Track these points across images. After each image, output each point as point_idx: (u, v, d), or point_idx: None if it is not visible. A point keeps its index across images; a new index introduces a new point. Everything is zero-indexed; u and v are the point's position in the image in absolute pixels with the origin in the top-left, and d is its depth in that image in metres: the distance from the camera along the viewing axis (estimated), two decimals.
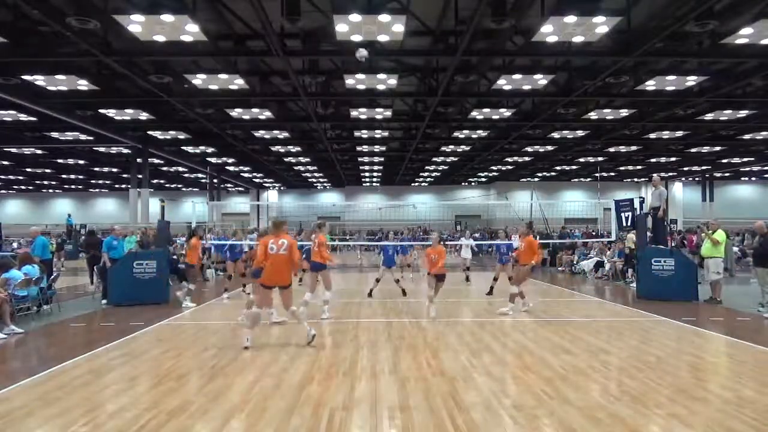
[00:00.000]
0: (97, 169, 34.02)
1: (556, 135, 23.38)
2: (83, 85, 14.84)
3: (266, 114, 18.84)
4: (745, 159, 31.24)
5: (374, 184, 45.50)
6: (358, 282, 13.12)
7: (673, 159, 31.28)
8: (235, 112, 18.73)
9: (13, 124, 20.03)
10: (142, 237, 15.78)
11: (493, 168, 36.06)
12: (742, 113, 19.15)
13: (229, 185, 41.08)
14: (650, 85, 15.34)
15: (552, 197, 40.59)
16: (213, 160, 30.72)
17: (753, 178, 42.63)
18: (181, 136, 23.33)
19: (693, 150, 27.33)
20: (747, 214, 31.22)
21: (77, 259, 24.31)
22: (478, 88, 16.63)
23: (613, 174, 39.45)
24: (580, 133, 23.15)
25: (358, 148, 27.63)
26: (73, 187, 44.77)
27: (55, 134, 22.14)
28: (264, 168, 34.25)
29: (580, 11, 10.14)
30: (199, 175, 36.50)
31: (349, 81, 14.92)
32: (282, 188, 47.63)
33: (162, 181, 41.49)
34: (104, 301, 11.09)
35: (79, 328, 8.70)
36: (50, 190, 47.06)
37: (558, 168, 36.04)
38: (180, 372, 5.86)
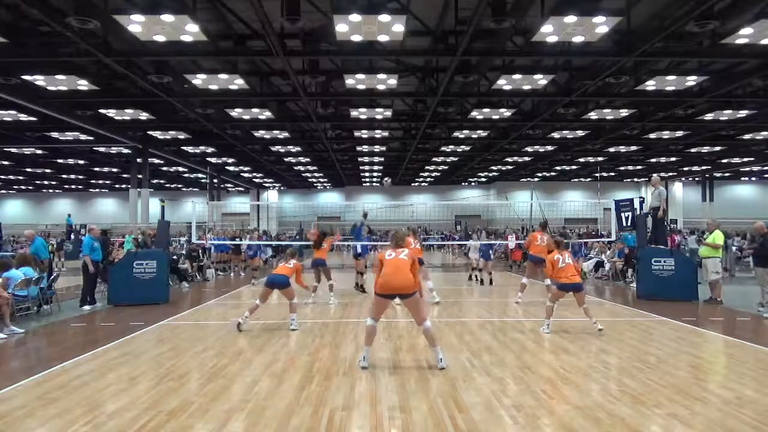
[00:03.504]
0: (97, 169, 34.03)
1: (556, 135, 23.39)
2: (83, 85, 14.84)
3: (266, 114, 18.84)
4: (745, 159, 31.24)
5: (374, 184, 45.49)
6: (355, 281, 13.11)
7: (673, 159, 31.29)
8: (235, 112, 18.73)
9: (13, 124, 20.04)
10: (144, 237, 15.78)
11: (493, 168, 36.06)
12: (742, 113, 19.15)
13: (229, 185, 41.08)
14: (650, 85, 15.35)
15: (552, 197, 40.57)
16: (213, 160, 30.72)
17: (753, 178, 42.62)
18: (181, 136, 23.33)
19: (693, 150, 27.34)
20: (747, 214, 31.23)
21: (77, 259, 24.27)
22: (478, 88, 16.64)
23: (613, 174, 39.47)
24: (580, 133, 23.15)
25: (358, 148, 27.64)
26: (73, 187, 44.76)
27: (55, 134, 22.14)
28: (264, 168, 34.25)
29: (580, 11, 10.14)
30: (199, 175, 36.49)
31: (349, 81, 14.92)
32: (282, 188, 47.62)
33: (162, 181, 41.49)
34: (87, 308, 10.46)
35: (79, 328, 8.70)
36: (50, 190, 47.05)
37: (558, 168, 36.05)
38: (180, 372, 5.86)
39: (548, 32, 10.94)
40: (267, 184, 45.45)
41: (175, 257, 15.21)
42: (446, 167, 35.14)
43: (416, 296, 5.92)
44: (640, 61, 13.59)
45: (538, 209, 26.94)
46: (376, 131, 22.73)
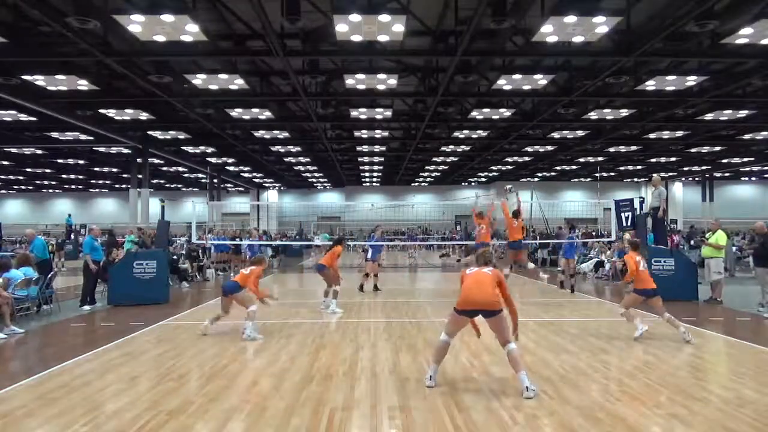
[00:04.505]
0: (97, 169, 34.04)
1: (556, 135, 23.39)
2: (83, 85, 14.84)
3: (266, 114, 18.85)
4: (745, 159, 31.24)
5: (374, 184, 45.49)
6: (357, 282, 13.13)
7: (673, 159, 31.29)
8: (235, 112, 18.73)
9: (13, 124, 20.04)
10: (142, 237, 15.80)
11: (493, 168, 36.06)
12: (742, 113, 19.17)
13: (229, 185, 41.08)
14: (650, 85, 15.35)
15: (552, 197, 40.57)
16: (213, 160, 30.73)
17: (753, 178, 42.63)
18: (181, 136, 23.34)
19: (693, 150, 27.34)
20: (747, 214, 31.24)
21: (77, 259, 24.26)
22: (478, 88, 16.64)
23: (613, 174, 39.46)
24: (580, 133, 23.16)
25: (358, 148, 27.64)
26: (73, 187, 44.78)
27: (55, 134, 22.15)
28: (264, 168, 34.26)
29: (580, 11, 10.14)
30: (199, 175, 36.50)
31: (349, 81, 14.93)
32: (282, 188, 47.62)
33: (162, 181, 41.50)
34: (86, 307, 10.48)
35: (79, 328, 8.70)
36: (50, 190, 47.07)
37: (558, 168, 36.04)
38: (180, 372, 5.86)
39: (548, 32, 10.94)
40: (267, 184, 45.46)
41: (175, 257, 15.21)
42: (446, 167, 35.15)
43: (501, 315, 5.22)
44: (640, 61, 13.59)
45: (538, 209, 26.95)
46: (376, 131, 22.74)
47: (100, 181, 42.29)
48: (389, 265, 19.64)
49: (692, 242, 19.34)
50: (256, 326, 7.70)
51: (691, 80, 15.05)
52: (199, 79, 14.79)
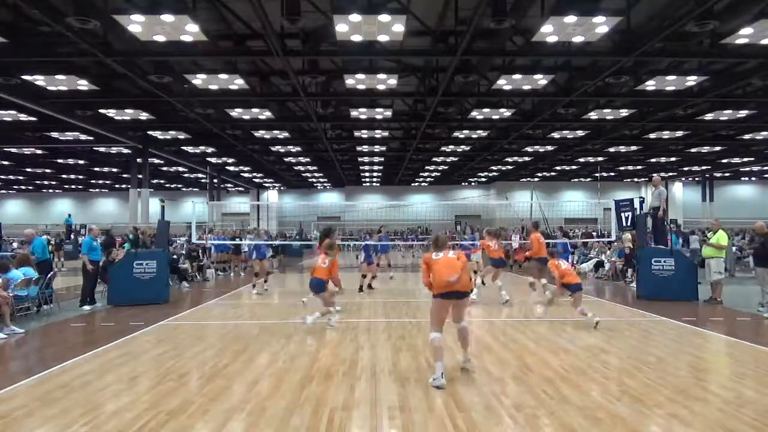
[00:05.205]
0: (97, 169, 34.04)
1: (556, 135, 23.40)
2: (83, 85, 14.85)
3: (266, 114, 18.86)
4: (745, 159, 31.25)
5: (374, 184, 45.50)
6: (357, 282, 13.13)
7: (673, 159, 31.29)
8: (235, 112, 18.74)
9: (13, 124, 20.04)
10: (138, 236, 15.77)
11: (493, 168, 36.07)
12: (742, 113, 19.17)
13: (229, 185, 41.08)
14: (650, 85, 15.35)
15: (552, 197, 40.58)
16: (213, 160, 30.73)
17: (753, 178, 42.64)
18: (181, 136, 23.35)
19: (693, 150, 27.35)
20: (747, 214, 31.25)
21: (77, 259, 24.27)
22: (478, 88, 16.63)
23: (613, 174, 39.46)
24: (580, 133, 23.16)
25: (358, 148, 27.64)
26: (73, 187, 44.79)
27: (55, 134, 22.17)
28: (264, 168, 34.26)
29: (580, 11, 10.14)
30: (199, 175, 36.50)
31: (349, 81, 14.93)
32: (282, 188, 47.63)
33: (162, 181, 41.51)
34: (86, 307, 10.47)
35: (79, 328, 8.70)
36: (50, 190, 47.08)
37: (558, 168, 36.05)
38: (180, 372, 5.86)
39: (548, 32, 10.95)
40: (267, 184, 45.47)
41: (175, 257, 15.21)
42: (446, 167, 35.16)
43: (468, 296, 5.77)
44: (640, 61, 13.59)
45: (538, 209, 26.96)
46: (376, 131, 22.74)
47: (100, 181, 42.30)
48: (387, 265, 19.61)
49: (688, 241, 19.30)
50: (332, 315, 8.36)
51: (691, 80, 15.05)
52: (199, 79, 14.79)
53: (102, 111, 18.44)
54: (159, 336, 7.91)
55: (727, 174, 39.08)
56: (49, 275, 10.19)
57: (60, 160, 30.34)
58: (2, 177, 38.07)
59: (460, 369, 5.79)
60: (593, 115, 19.18)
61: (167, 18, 10.10)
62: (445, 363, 5.41)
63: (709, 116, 19.21)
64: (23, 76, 14.01)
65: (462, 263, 5.56)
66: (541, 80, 14.95)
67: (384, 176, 40.70)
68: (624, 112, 19.14)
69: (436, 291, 5.50)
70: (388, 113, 19.03)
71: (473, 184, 46.04)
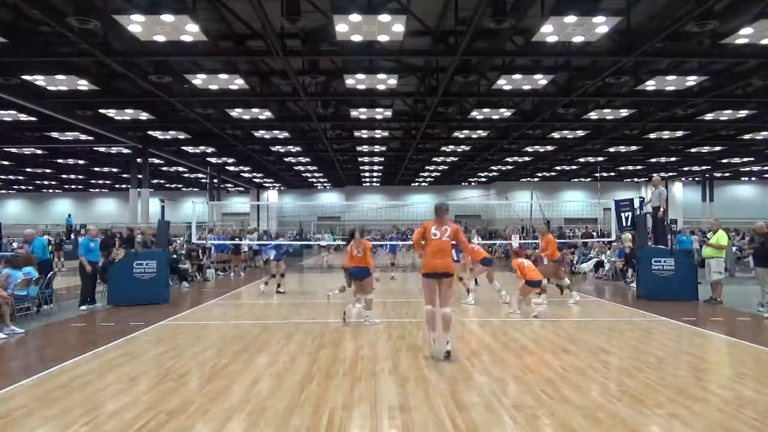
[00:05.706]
0: (97, 169, 34.03)
1: (556, 135, 23.38)
2: (83, 85, 14.84)
3: (266, 114, 18.85)
4: (745, 159, 31.24)
5: (374, 184, 45.50)
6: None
7: (673, 159, 31.28)
8: (235, 112, 18.73)
9: (13, 124, 20.03)
10: (142, 236, 15.75)
11: (493, 168, 36.07)
12: (742, 113, 19.15)
13: (229, 185, 41.08)
14: (650, 85, 15.34)
15: (552, 197, 40.57)
16: (213, 160, 30.72)
17: (753, 178, 42.62)
18: (181, 136, 23.34)
19: (693, 150, 27.34)
20: (747, 214, 31.22)
21: (77, 259, 24.27)
22: (478, 88, 16.63)
23: (613, 174, 39.45)
24: (580, 133, 23.15)
25: (358, 148, 27.63)
26: (73, 187, 44.78)
27: (55, 134, 22.15)
28: (264, 168, 34.26)
29: (580, 11, 10.13)
30: (199, 175, 36.50)
31: (349, 81, 14.92)
32: (282, 188, 47.63)
33: (162, 181, 41.50)
34: (83, 307, 10.41)
35: (78, 328, 8.70)
36: (50, 190, 47.07)
37: (558, 168, 36.04)
38: (180, 372, 5.86)
39: (548, 32, 10.94)
40: (267, 184, 45.47)
41: (175, 257, 15.21)
42: (446, 167, 35.15)
43: (452, 278, 6.44)
44: (640, 61, 13.59)
45: (538, 209, 26.95)
46: (376, 131, 22.73)
47: (100, 181, 42.29)
48: (386, 265, 19.60)
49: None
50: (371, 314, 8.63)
51: (691, 80, 15.04)
52: (199, 79, 14.78)
53: (102, 111, 18.43)
54: (159, 336, 7.91)
55: (727, 174, 39.07)
56: (49, 275, 10.18)
57: (60, 160, 30.33)
58: (2, 177, 38.06)
59: (461, 371, 5.78)
60: (593, 115, 19.17)
61: (167, 18, 10.09)
62: (440, 367, 5.79)
63: (709, 116, 19.20)
64: (23, 76, 14.00)
65: (450, 241, 6.34)
66: (541, 80, 14.94)
67: (384, 176, 40.70)
68: (624, 112, 19.13)
69: (423, 270, 6.38)
70: (388, 113, 19.02)
71: (473, 184, 46.03)
